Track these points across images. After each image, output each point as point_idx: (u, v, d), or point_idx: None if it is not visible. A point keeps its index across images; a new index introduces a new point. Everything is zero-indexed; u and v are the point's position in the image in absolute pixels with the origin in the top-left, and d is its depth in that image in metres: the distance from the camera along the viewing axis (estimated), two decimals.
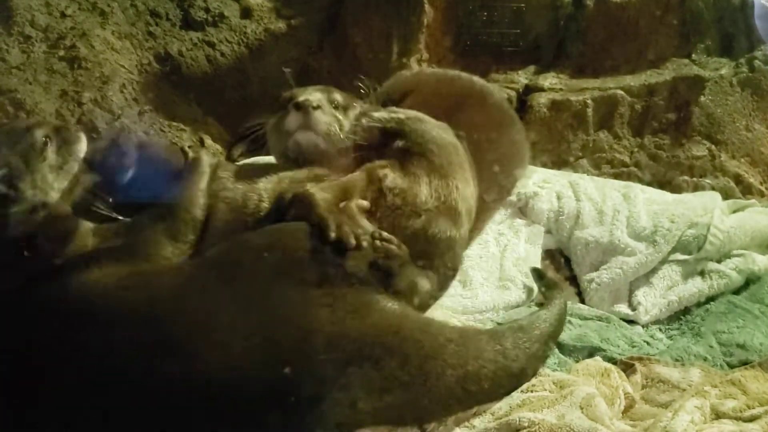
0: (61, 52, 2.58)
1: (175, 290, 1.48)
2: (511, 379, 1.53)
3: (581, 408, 1.44)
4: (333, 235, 1.53)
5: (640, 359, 1.81)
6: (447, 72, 2.52)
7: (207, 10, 2.91)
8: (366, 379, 1.37)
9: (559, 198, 2.38)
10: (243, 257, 1.53)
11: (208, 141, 2.78)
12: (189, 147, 1.87)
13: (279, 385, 1.35)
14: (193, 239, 1.67)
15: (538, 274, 2.05)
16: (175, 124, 2.75)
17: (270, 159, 2.43)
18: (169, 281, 1.52)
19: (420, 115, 1.89)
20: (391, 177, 1.74)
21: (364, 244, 1.54)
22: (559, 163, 2.85)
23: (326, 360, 1.36)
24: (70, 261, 1.54)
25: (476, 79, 2.47)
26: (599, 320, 1.99)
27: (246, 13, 2.96)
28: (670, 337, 1.99)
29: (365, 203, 1.70)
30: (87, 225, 1.63)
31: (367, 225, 1.63)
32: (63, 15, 2.64)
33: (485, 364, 1.48)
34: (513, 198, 2.38)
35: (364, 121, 1.88)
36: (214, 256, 1.56)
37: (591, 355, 1.82)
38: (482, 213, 2.00)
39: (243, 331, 1.38)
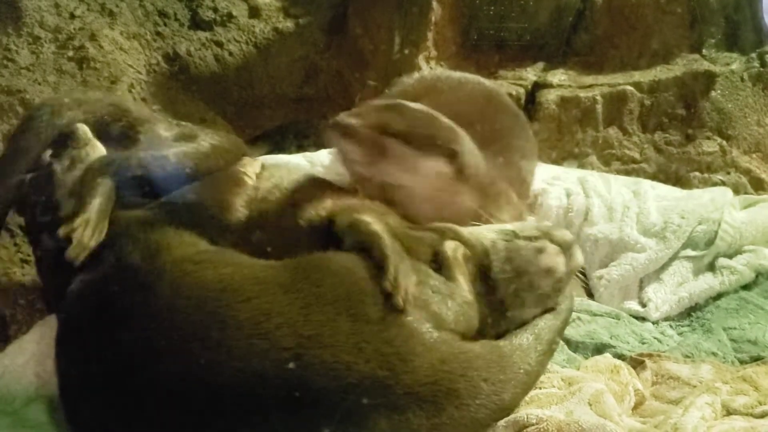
0: (70, 53, 2.59)
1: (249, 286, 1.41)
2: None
3: (590, 404, 1.43)
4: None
5: (650, 356, 1.79)
6: (465, 75, 2.49)
7: (215, 10, 2.91)
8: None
9: (568, 195, 2.35)
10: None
11: None
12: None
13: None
14: None
15: None
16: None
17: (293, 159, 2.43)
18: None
19: None
20: None
21: None
22: (569, 159, 2.83)
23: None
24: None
25: (488, 81, 2.46)
26: (609, 317, 1.98)
27: (254, 12, 2.96)
28: (680, 334, 1.98)
29: None
30: None
31: None
32: (72, 16, 2.66)
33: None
34: None
35: None
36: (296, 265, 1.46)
37: (600, 351, 1.81)
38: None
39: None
